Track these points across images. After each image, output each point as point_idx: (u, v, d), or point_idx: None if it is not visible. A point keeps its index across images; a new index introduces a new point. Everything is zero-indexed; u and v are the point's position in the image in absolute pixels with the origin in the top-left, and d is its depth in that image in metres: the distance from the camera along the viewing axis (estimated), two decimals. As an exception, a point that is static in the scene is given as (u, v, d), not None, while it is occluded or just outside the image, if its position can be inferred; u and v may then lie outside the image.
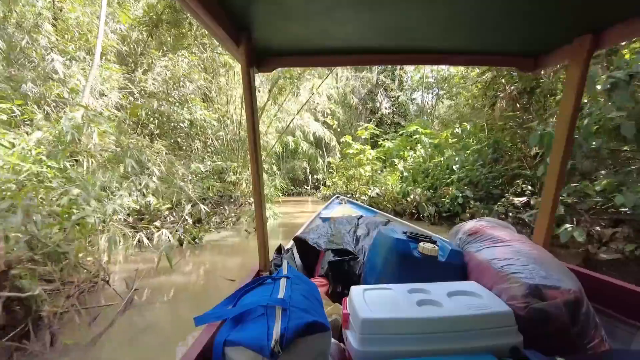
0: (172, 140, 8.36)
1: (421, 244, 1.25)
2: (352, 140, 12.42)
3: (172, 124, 8.02)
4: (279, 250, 1.80)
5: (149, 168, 5.70)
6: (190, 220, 6.28)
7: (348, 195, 10.30)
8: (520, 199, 5.86)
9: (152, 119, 7.56)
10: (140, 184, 5.35)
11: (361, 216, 2.30)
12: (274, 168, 13.50)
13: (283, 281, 0.93)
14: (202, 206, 6.44)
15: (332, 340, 0.93)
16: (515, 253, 1.11)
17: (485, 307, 0.94)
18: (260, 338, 0.68)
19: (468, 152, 7.55)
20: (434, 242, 1.30)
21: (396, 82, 17.49)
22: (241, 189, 9.11)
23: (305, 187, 17.03)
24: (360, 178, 11.71)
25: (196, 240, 5.76)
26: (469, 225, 1.43)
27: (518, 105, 6.52)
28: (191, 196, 6.61)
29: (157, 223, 5.73)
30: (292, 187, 16.50)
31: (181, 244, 5.56)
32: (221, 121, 9.64)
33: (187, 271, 4.46)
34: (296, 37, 1.25)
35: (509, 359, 0.83)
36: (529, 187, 5.92)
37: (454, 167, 7.84)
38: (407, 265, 1.23)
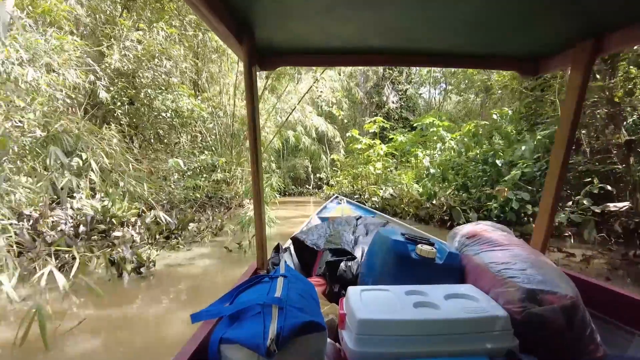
0: (153, 133, 7.38)
1: (419, 245, 1.25)
2: (359, 135, 11.25)
3: (154, 114, 6.99)
4: (277, 249, 1.80)
5: (85, 160, 4.49)
6: (138, 238, 4.83)
7: (355, 197, 9.38)
8: (621, 204, 4.27)
9: (119, 103, 6.30)
10: (75, 182, 4.27)
11: (360, 217, 2.30)
12: (273, 166, 12.50)
13: (280, 280, 0.93)
14: (161, 214, 5.03)
15: (328, 340, 0.93)
16: (513, 257, 1.11)
17: (482, 310, 0.94)
18: (257, 336, 0.68)
19: (540, 136, 5.66)
20: (432, 244, 1.30)
21: (404, 74, 16.53)
22: (235, 188, 8.24)
23: (307, 186, 16.22)
24: (368, 176, 10.57)
25: (141, 269, 3.78)
26: (468, 228, 1.43)
27: (598, 77, 4.78)
28: (148, 199, 5.51)
29: (119, 233, 4.58)
30: (293, 187, 15.66)
31: (120, 275, 3.67)
32: (213, 113, 8.76)
33: (72, 357, 2.21)
34: (298, 36, 1.25)
35: None
36: (608, 187, 4.42)
37: (497, 161, 6.16)
38: (405, 266, 1.23)
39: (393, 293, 1.03)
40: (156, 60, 6.59)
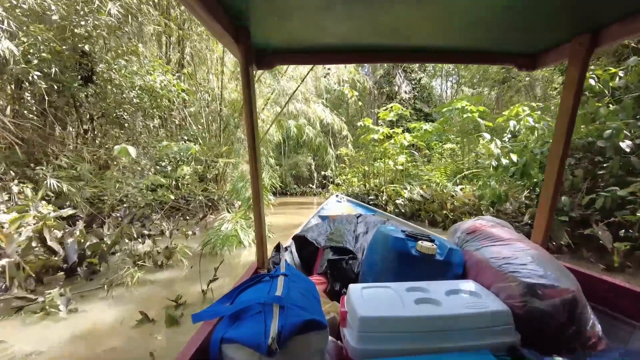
0: (110, 114, 5.78)
1: (419, 242, 1.25)
2: (372, 125, 9.32)
3: (113, 89, 5.45)
4: (278, 248, 1.80)
5: None
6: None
7: (370, 198, 8.02)
8: None
9: (36, 61, 4.36)
10: None
11: (360, 215, 2.30)
12: (271, 161, 10.82)
13: (281, 279, 0.93)
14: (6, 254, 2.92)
15: (330, 338, 0.93)
16: (514, 252, 1.11)
17: (483, 305, 0.94)
18: (258, 335, 0.68)
19: None
20: (432, 240, 1.29)
21: (418, 61, 15.44)
22: (226, 187, 6.99)
23: (311, 185, 14.60)
24: (384, 174, 8.77)
25: None
26: (468, 223, 1.43)
27: None
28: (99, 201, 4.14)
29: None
30: (296, 186, 14.36)
31: None
32: (198, 94, 7.46)
33: None
34: (294, 35, 1.25)
35: (507, 357, 0.83)
36: None
37: (623, 144, 3.64)
38: (405, 263, 1.23)
39: (394, 290, 1.03)
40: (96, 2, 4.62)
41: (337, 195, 4.33)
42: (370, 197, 8.17)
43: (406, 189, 7.29)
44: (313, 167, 14.42)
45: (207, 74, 8.12)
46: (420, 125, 8.76)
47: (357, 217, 2.16)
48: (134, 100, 5.76)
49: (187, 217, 6.32)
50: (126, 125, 6.05)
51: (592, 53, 1.20)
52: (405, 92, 14.58)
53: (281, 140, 12.00)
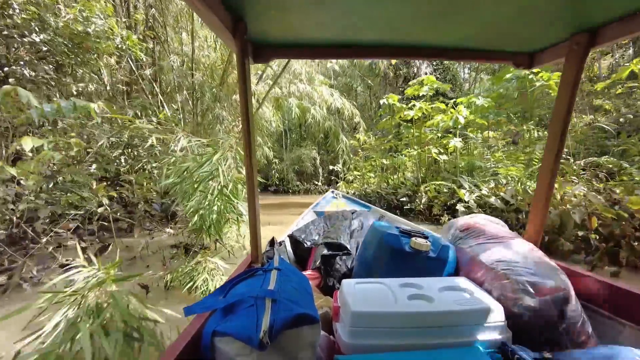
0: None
1: (413, 239, 1.25)
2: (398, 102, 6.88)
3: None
4: (272, 242, 1.80)
5: None
6: None
7: (402, 200, 6.28)
8: None
9: None
10: None
11: (355, 211, 2.30)
12: (268, 151, 9.02)
13: (274, 273, 0.92)
14: None
15: (322, 332, 0.93)
16: (507, 250, 1.11)
17: (475, 302, 0.94)
18: (249, 328, 0.68)
19: None
20: (425, 237, 1.30)
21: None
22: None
23: (315, 182, 13.06)
24: (422, 165, 6.69)
25: None
26: (462, 221, 1.43)
27: None
28: None
29: None
30: (299, 183, 12.96)
31: None
32: (160, 52, 5.80)
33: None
34: (292, 29, 1.23)
35: (498, 354, 0.84)
36: None
37: None
38: (398, 259, 1.23)
39: (387, 286, 1.03)
40: None
41: (332, 191, 4.35)
42: (402, 199, 6.11)
43: (464, 188, 4.91)
44: (318, 161, 13.08)
45: (178, 29, 6.48)
46: (469, 100, 6.16)
47: (352, 213, 2.16)
48: (43, 48, 3.58)
49: (101, 242, 3.77)
50: (11, 81, 3.47)
51: (589, 52, 1.20)
52: (426, 74, 12.65)
53: (282, 131, 10.60)
